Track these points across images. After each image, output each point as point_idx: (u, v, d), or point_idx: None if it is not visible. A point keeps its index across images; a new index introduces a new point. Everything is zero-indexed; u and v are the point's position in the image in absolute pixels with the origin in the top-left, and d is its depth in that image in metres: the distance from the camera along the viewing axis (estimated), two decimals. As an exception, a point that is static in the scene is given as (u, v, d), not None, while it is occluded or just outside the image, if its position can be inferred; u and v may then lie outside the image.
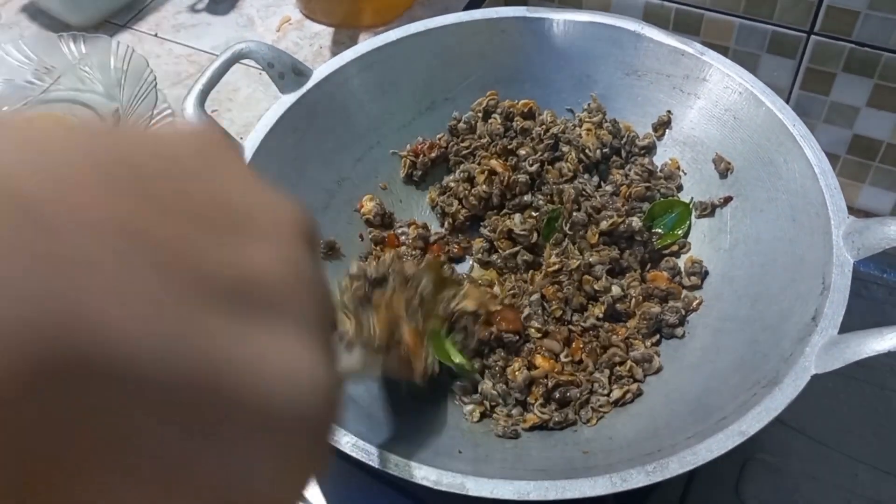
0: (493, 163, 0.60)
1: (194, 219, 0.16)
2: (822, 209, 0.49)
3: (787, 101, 0.74)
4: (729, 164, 0.57)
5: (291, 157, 0.58)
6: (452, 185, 0.62)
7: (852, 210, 0.81)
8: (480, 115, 0.63)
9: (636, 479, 0.40)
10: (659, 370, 0.52)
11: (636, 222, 0.56)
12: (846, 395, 0.55)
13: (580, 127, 0.59)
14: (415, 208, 0.64)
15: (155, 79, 0.70)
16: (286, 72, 0.58)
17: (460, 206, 0.61)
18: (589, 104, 0.62)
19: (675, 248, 0.58)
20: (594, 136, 0.58)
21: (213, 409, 0.15)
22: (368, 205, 0.61)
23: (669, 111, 0.61)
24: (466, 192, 0.60)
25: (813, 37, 0.69)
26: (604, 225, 0.56)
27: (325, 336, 0.18)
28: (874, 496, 0.51)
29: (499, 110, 0.62)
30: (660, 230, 0.58)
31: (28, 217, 0.13)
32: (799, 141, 0.52)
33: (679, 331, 0.54)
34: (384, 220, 0.62)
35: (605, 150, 0.60)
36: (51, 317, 0.13)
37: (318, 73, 0.60)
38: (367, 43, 0.62)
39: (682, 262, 0.57)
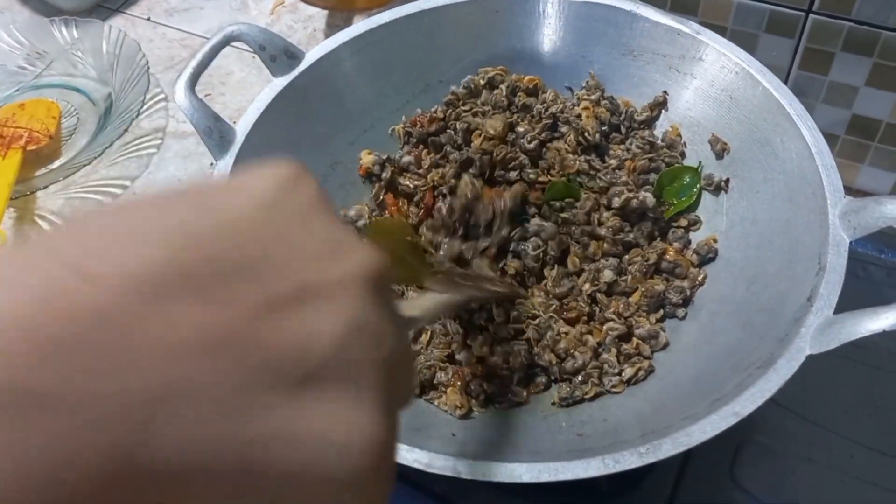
0: (492, 122, 0.58)
1: (262, 303, 0.17)
2: (818, 189, 0.48)
3: (786, 82, 0.73)
4: (725, 144, 0.57)
5: (283, 140, 0.57)
6: (446, 141, 0.60)
7: (851, 191, 0.80)
8: (483, 82, 0.62)
9: (629, 460, 0.39)
10: (666, 345, 0.52)
11: (650, 199, 0.55)
12: (842, 377, 0.55)
13: (578, 106, 0.58)
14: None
15: (147, 63, 0.69)
16: (278, 55, 0.58)
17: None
18: (587, 81, 0.62)
19: (683, 221, 0.57)
20: (593, 117, 0.57)
21: (266, 488, 0.16)
22: (367, 158, 0.61)
23: (665, 91, 0.60)
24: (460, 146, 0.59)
25: (811, 16, 0.68)
26: (616, 202, 0.55)
27: (384, 393, 0.19)
28: (870, 478, 0.51)
29: (505, 83, 0.62)
30: (673, 201, 0.58)
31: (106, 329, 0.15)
32: (795, 120, 0.51)
33: (681, 311, 0.54)
34: (385, 165, 0.60)
35: (603, 129, 0.59)
36: (124, 426, 0.14)
37: (311, 56, 0.59)
38: (360, 25, 0.61)
39: (694, 238, 0.57)
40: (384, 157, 0.61)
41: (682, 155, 0.60)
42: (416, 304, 0.42)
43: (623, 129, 0.60)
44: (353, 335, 0.18)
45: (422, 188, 0.59)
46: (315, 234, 0.20)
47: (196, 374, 0.15)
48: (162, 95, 0.73)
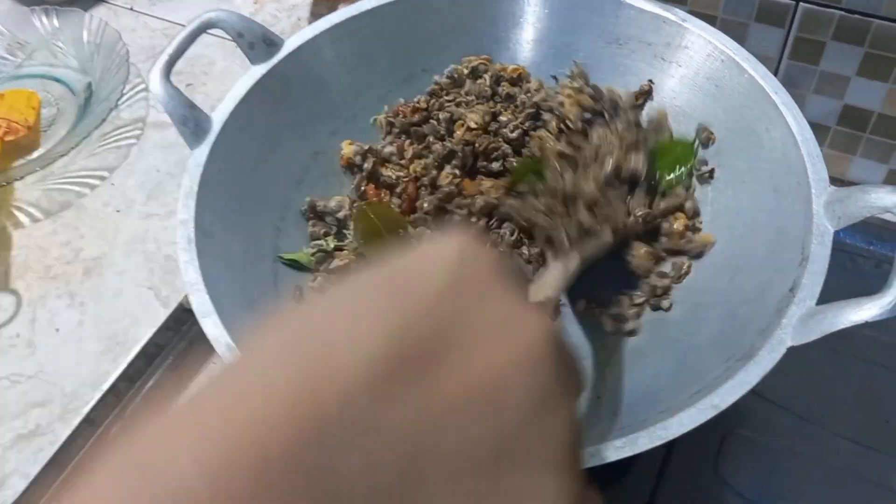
0: (473, 115, 0.58)
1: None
2: (803, 178, 0.47)
3: (777, 72, 0.72)
4: (711, 133, 0.56)
5: (263, 130, 0.56)
6: (429, 132, 0.59)
7: (843, 182, 0.80)
8: (467, 71, 0.61)
9: (604, 453, 0.38)
10: (633, 332, 0.52)
11: (642, 160, 0.53)
12: (829, 369, 0.54)
13: (561, 94, 0.57)
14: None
15: (127, 52, 0.69)
16: (256, 42, 0.57)
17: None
18: (572, 70, 0.61)
19: (677, 198, 0.56)
20: (576, 104, 0.56)
21: None
22: (348, 148, 0.60)
23: (651, 80, 0.59)
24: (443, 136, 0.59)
25: (802, 4, 0.67)
26: (608, 164, 0.53)
27: (574, 461, 0.21)
28: (856, 471, 0.50)
29: (489, 73, 0.61)
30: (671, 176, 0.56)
31: None
32: (781, 109, 0.51)
33: (665, 302, 0.53)
34: (366, 156, 0.60)
35: (587, 116, 0.58)
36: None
37: (290, 44, 0.58)
38: (341, 12, 0.60)
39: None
40: (366, 147, 0.60)
41: (669, 136, 0.59)
42: (546, 282, 0.41)
43: (607, 116, 0.59)
44: (541, 428, 0.20)
45: (404, 179, 0.58)
46: (488, 312, 0.21)
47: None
48: (142, 85, 0.72)
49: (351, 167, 0.60)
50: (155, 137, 0.68)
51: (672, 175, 0.56)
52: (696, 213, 0.55)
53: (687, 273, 0.53)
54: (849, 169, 0.78)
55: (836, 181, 0.78)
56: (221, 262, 0.49)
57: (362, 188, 0.59)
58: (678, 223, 0.54)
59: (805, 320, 0.41)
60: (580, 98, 0.57)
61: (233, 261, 0.51)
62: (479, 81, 0.60)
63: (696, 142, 0.57)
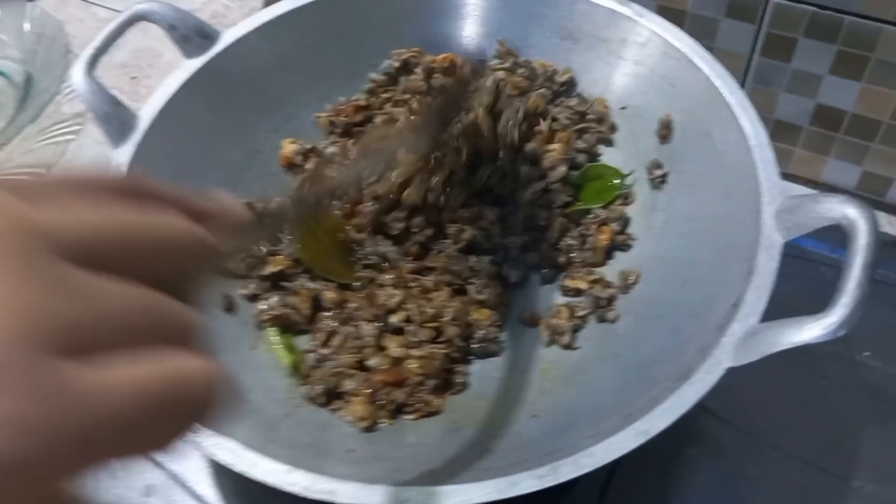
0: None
1: None
2: (754, 185, 0.45)
3: (748, 69, 0.69)
4: (670, 130, 0.53)
5: (196, 128, 0.54)
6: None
7: (816, 184, 0.78)
8: (398, 63, 0.58)
9: (526, 483, 0.36)
10: (568, 346, 0.49)
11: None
12: (784, 386, 0.52)
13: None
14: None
15: (68, 43, 0.66)
16: (190, 35, 0.54)
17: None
18: (498, 49, 0.58)
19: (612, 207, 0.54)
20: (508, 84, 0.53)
21: None
22: (289, 147, 0.57)
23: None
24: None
25: (773, -1, 0.65)
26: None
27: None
28: (807, 495, 0.48)
29: (420, 66, 0.58)
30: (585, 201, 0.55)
31: None
32: (735, 110, 0.48)
33: (611, 314, 0.50)
34: (308, 155, 0.57)
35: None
36: None
37: (228, 37, 0.56)
38: (282, 4, 0.58)
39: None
40: (308, 146, 0.57)
41: (612, 128, 0.57)
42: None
43: (546, 93, 0.57)
44: None
45: None
46: None
47: None
48: (87, 78, 0.69)
49: (292, 167, 0.57)
50: (95, 133, 0.66)
51: (596, 200, 0.54)
52: (623, 230, 0.54)
53: (635, 283, 0.51)
54: (822, 171, 0.75)
55: (809, 183, 0.76)
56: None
57: (304, 190, 0.56)
58: (602, 237, 0.51)
59: (745, 340, 0.39)
60: (513, 80, 0.54)
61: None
62: (412, 77, 0.58)
63: (627, 178, 0.55)
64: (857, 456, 0.49)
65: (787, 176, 0.76)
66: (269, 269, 0.52)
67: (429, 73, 0.58)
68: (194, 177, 0.53)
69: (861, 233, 0.38)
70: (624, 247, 0.53)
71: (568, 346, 0.49)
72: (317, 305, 0.51)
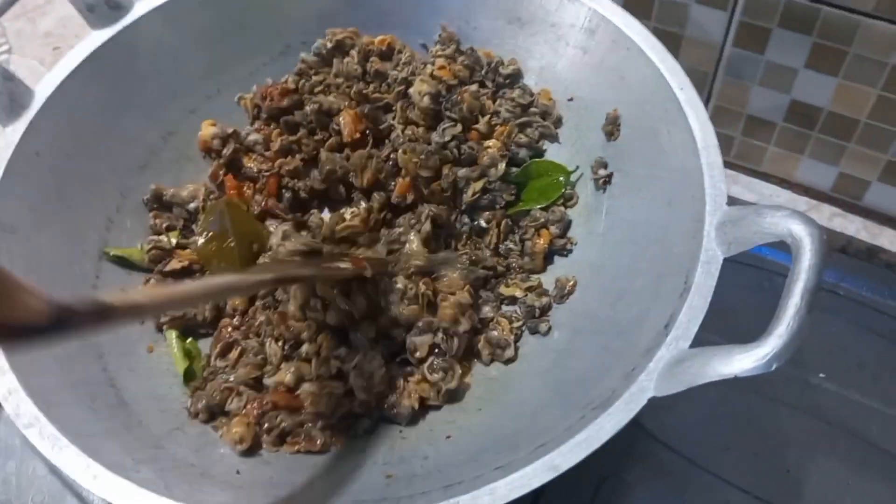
0: (346, 119, 0.51)
1: None
2: (698, 192, 0.41)
3: (720, 60, 0.65)
4: (617, 127, 0.49)
5: (99, 106, 0.49)
6: (301, 120, 0.52)
7: (790, 185, 0.73)
8: (331, 44, 0.54)
9: (418, 520, 0.32)
10: (510, 360, 0.46)
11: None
12: (728, 406, 0.48)
13: (432, 64, 0.49)
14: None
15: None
16: (97, 3, 0.49)
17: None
18: (440, 35, 0.53)
19: (552, 209, 0.50)
20: (428, 81, 0.48)
21: None
22: (208, 130, 0.52)
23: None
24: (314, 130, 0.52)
25: (745, -14, 0.60)
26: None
27: None
28: (744, 528, 0.44)
29: (356, 48, 0.53)
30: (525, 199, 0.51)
31: None
32: (684, 108, 0.43)
33: (544, 326, 0.46)
34: (228, 141, 0.53)
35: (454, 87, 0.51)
36: None
37: (141, 7, 0.51)
38: (205, -29, 0.53)
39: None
40: (229, 131, 0.52)
41: (558, 122, 0.52)
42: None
43: (489, 84, 0.52)
44: None
45: (266, 173, 0.51)
46: None
47: None
48: (6, 46, 0.64)
49: (210, 151, 0.53)
50: None
51: (539, 199, 0.49)
52: (563, 234, 0.49)
53: (571, 293, 0.47)
54: (796, 170, 0.71)
55: (782, 183, 0.72)
56: (22, 261, 0.42)
57: (220, 177, 0.52)
58: (541, 241, 0.47)
59: (673, 367, 0.35)
60: (454, 68, 0.49)
61: (41, 260, 0.44)
62: (346, 60, 0.53)
63: (572, 176, 0.51)
64: (803, 486, 0.45)
65: (758, 174, 0.72)
66: (173, 264, 0.47)
67: (365, 56, 0.53)
68: (96, 160, 0.48)
69: (805, 253, 0.34)
70: (563, 252, 0.49)
71: (511, 360, 0.45)
72: (220, 310, 0.46)
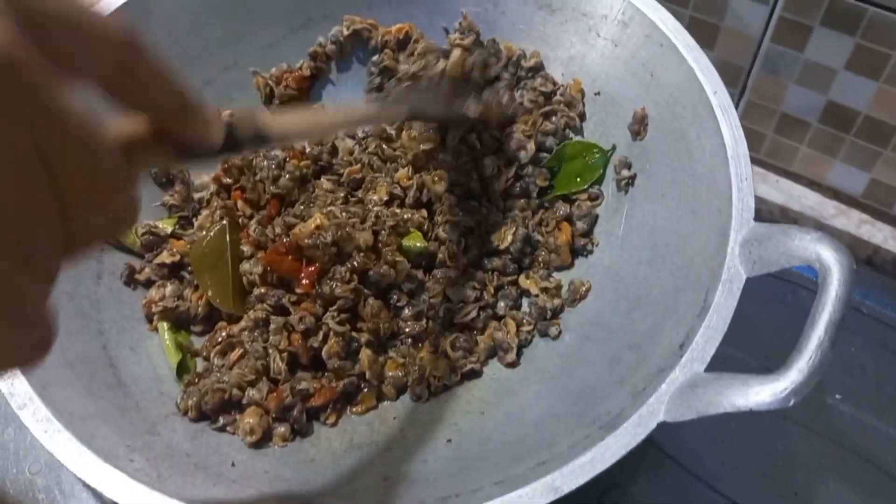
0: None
1: None
2: (725, 204, 0.39)
3: (756, 55, 0.63)
4: (644, 126, 0.47)
5: (111, 73, 0.47)
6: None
7: (819, 187, 0.71)
8: (348, 31, 0.52)
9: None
10: (512, 365, 0.44)
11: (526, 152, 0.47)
12: (740, 423, 0.46)
13: (446, 59, 0.47)
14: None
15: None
16: (112, -35, 0.48)
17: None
18: (460, 22, 0.51)
19: (578, 203, 0.49)
20: (460, 66, 0.47)
21: None
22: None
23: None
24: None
25: (789, -21, 0.58)
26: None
27: None
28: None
29: (372, 42, 0.52)
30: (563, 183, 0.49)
31: None
32: (717, 112, 0.41)
33: (554, 329, 0.45)
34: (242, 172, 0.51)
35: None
36: None
37: (159, -29, 0.49)
38: (224, -64, 0.51)
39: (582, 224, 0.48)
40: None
41: (581, 116, 0.50)
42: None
43: (507, 77, 0.51)
44: None
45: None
46: None
47: None
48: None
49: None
50: None
51: (574, 183, 0.47)
52: (588, 230, 0.48)
53: (584, 297, 0.45)
54: (828, 173, 0.68)
55: (812, 185, 0.70)
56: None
57: (227, 187, 0.50)
58: (562, 236, 0.46)
59: (686, 392, 0.33)
60: (468, 59, 0.47)
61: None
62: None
63: (611, 154, 0.48)
64: (811, 509, 0.44)
65: (788, 174, 0.70)
66: (164, 256, 0.46)
67: (382, 49, 0.52)
68: (106, 130, 0.47)
69: (833, 282, 0.32)
70: (584, 251, 0.48)
71: (512, 365, 0.44)
72: (213, 307, 0.45)
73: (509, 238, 0.46)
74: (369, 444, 0.41)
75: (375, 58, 0.53)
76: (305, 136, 0.40)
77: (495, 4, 0.52)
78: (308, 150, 0.50)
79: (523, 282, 0.47)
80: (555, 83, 0.50)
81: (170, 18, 0.50)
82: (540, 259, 0.48)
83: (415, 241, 0.45)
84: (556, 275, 0.48)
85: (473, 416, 0.42)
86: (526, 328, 0.45)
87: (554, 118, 0.50)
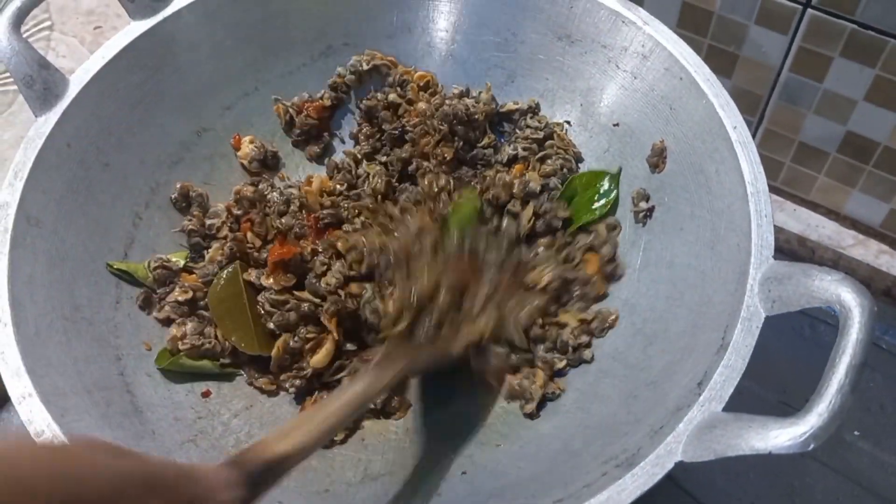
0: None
1: None
2: (744, 241, 0.39)
3: (775, 85, 0.63)
4: (663, 159, 0.47)
5: (134, 99, 0.48)
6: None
7: (837, 216, 0.71)
8: (368, 65, 0.53)
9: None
10: (530, 416, 0.44)
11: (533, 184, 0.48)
12: (757, 458, 0.46)
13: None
14: (293, 171, 0.54)
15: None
16: (138, -7, 0.48)
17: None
18: (481, 93, 0.53)
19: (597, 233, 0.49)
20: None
21: None
22: (247, 147, 0.52)
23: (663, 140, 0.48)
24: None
25: (809, 10, 0.57)
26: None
27: None
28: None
29: (389, 78, 0.53)
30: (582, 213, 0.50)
31: None
32: (736, 148, 0.41)
33: (587, 353, 0.45)
34: (267, 163, 0.53)
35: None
36: None
37: (183, -1, 0.50)
38: (248, -34, 0.51)
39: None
40: (271, 150, 0.52)
41: (578, 158, 0.52)
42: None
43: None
44: None
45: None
46: None
47: None
48: (48, 22, 0.63)
49: (245, 169, 0.52)
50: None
51: (591, 211, 0.47)
52: (612, 256, 0.47)
53: (611, 326, 0.45)
54: (846, 203, 0.68)
55: (830, 214, 0.70)
56: (45, 256, 0.42)
57: (237, 216, 0.50)
58: (590, 267, 0.46)
59: (704, 432, 0.33)
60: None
61: (65, 255, 0.43)
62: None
63: (618, 174, 0.49)
64: (827, 549, 0.44)
65: (805, 202, 0.70)
66: (176, 294, 0.46)
67: (401, 84, 0.53)
68: (128, 152, 0.48)
69: (854, 325, 0.32)
70: (616, 277, 0.47)
71: (531, 416, 0.43)
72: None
73: (546, 278, 0.46)
74: (384, 476, 0.41)
75: (352, 60, 0.54)
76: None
77: (514, 34, 0.52)
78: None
79: (562, 315, 0.47)
80: (546, 125, 0.51)
81: (192, 45, 0.50)
82: (575, 294, 0.48)
83: None
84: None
85: (489, 447, 0.42)
86: (559, 365, 0.45)
87: (549, 161, 0.50)
